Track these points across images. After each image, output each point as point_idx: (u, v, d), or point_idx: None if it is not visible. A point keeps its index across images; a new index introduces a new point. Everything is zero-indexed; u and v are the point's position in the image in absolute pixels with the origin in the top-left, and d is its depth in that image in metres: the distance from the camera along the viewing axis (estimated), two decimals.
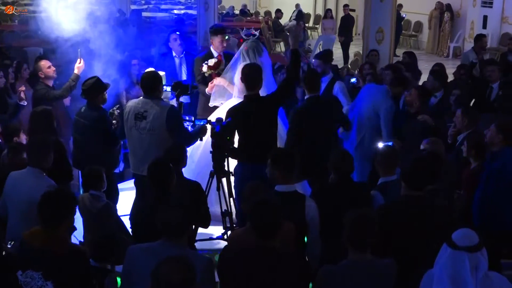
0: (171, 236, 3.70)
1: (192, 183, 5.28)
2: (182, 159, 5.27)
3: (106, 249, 4.46)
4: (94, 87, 6.22)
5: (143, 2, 26.29)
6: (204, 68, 7.35)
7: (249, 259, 3.72)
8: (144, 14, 21.13)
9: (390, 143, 5.46)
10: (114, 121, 6.43)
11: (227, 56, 7.92)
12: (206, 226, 5.27)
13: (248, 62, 6.59)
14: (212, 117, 6.24)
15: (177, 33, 8.57)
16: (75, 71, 7.29)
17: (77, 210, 5.41)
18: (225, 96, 6.93)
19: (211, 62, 7.33)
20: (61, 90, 7.28)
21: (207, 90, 7.23)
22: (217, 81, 7.01)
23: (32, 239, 3.90)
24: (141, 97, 6.01)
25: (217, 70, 7.28)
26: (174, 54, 8.48)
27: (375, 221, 3.78)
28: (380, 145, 5.55)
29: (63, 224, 3.92)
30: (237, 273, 3.73)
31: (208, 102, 7.24)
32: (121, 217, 5.55)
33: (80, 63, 7.26)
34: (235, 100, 6.52)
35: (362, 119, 7.19)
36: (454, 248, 3.22)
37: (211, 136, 5.77)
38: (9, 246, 4.44)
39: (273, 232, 3.73)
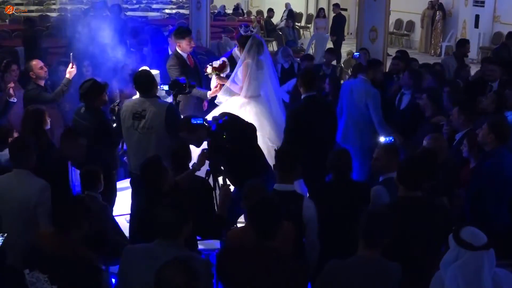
0: (166, 236, 3.65)
1: (201, 181, 5.23)
2: (188, 158, 5.17)
3: (96, 243, 4.40)
4: (92, 90, 6.15)
5: (134, 1, 26.20)
6: (209, 70, 7.34)
7: (248, 259, 3.69)
8: (136, 13, 21.07)
9: (391, 138, 5.42)
10: (114, 117, 6.34)
11: (192, 53, 7.98)
12: (217, 236, 4.85)
13: (250, 59, 6.59)
14: (209, 117, 6.21)
15: None
16: (67, 75, 7.24)
17: None
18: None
19: (216, 63, 7.33)
20: (53, 94, 7.19)
21: (209, 94, 7.21)
22: (220, 80, 7.00)
23: (44, 241, 3.86)
24: (138, 97, 5.97)
25: (221, 73, 7.25)
26: (170, 52, 8.40)
27: (391, 219, 3.76)
28: (382, 139, 5.52)
29: (75, 230, 3.88)
30: (236, 273, 3.70)
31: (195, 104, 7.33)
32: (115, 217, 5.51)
33: (72, 67, 7.18)
34: (237, 99, 6.49)
35: (355, 118, 7.16)
36: (472, 249, 3.19)
37: (207, 135, 5.73)
38: (1, 238, 4.37)
39: (273, 232, 3.70)
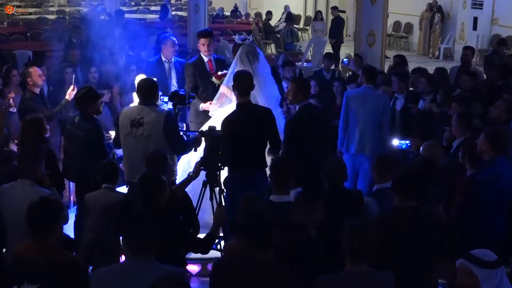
0: (137, 252, 3.60)
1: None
2: (164, 167, 5.11)
3: None
4: (87, 98, 6.15)
5: (132, 4, 26.21)
6: (214, 79, 7.38)
7: (241, 270, 3.68)
8: (134, 16, 21.06)
9: (408, 143, 5.42)
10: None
11: (217, 61, 7.90)
12: (206, 252, 4.70)
13: (243, 67, 6.55)
14: (206, 126, 6.20)
15: (173, 38, 8.52)
16: (67, 96, 7.22)
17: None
18: (223, 104, 6.89)
19: (220, 72, 7.38)
20: (50, 113, 7.11)
21: (201, 106, 7.28)
22: (221, 89, 6.98)
23: (25, 252, 3.84)
24: (136, 104, 5.97)
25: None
26: (163, 59, 8.40)
27: (374, 231, 3.74)
28: (396, 142, 5.50)
29: (54, 234, 3.88)
30: (229, 284, 3.69)
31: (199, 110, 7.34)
32: None
33: (73, 89, 7.17)
34: (232, 106, 6.46)
35: (372, 126, 7.10)
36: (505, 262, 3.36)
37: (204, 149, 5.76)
38: None
39: (265, 243, 3.69)
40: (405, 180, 4.34)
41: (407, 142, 5.53)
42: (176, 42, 8.47)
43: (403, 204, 4.30)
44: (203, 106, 7.38)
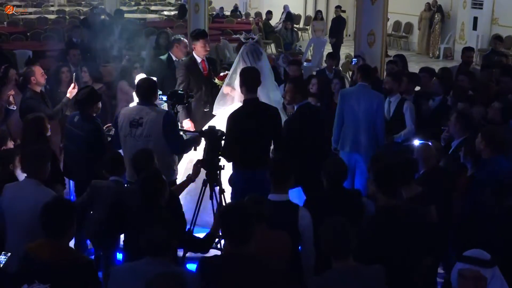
0: (156, 254, 3.64)
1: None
2: (152, 165, 5.04)
3: None
4: (89, 98, 6.16)
5: (133, 3, 26.21)
6: (217, 81, 7.38)
7: (221, 266, 3.71)
8: (134, 15, 21.07)
9: (429, 143, 5.46)
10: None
11: (209, 61, 7.91)
12: (206, 251, 4.67)
13: (246, 66, 6.56)
14: (206, 126, 6.21)
15: (182, 37, 8.51)
16: (68, 95, 7.24)
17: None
18: (226, 104, 6.88)
19: (222, 73, 7.37)
20: (52, 111, 7.16)
21: (184, 124, 7.26)
22: (224, 89, 6.98)
23: (38, 252, 3.83)
24: (136, 104, 5.97)
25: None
26: (174, 58, 8.40)
27: (351, 226, 3.76)
28: (417, 142, 5.50)
29: (69, 234, 3.90)
30: (215, 278, 3.70)
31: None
32: None
33: (74, 87, 7.18)
34: (235, 106, 6.48)
35: (366, 125, 7.10)
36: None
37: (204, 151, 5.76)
38: (4, 257, 4.35)
39: (242, 238, 3.71)
40: (388, 177, 4.39)
41: (429, 143, 5.58)
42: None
43: (388, 204, 4.33)
44: (185, 125, 7.27)
